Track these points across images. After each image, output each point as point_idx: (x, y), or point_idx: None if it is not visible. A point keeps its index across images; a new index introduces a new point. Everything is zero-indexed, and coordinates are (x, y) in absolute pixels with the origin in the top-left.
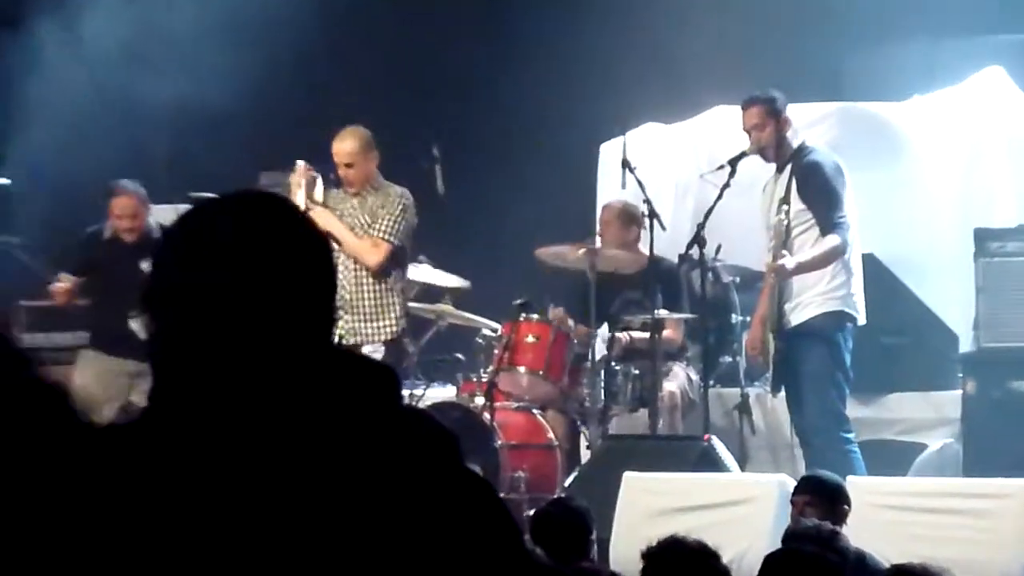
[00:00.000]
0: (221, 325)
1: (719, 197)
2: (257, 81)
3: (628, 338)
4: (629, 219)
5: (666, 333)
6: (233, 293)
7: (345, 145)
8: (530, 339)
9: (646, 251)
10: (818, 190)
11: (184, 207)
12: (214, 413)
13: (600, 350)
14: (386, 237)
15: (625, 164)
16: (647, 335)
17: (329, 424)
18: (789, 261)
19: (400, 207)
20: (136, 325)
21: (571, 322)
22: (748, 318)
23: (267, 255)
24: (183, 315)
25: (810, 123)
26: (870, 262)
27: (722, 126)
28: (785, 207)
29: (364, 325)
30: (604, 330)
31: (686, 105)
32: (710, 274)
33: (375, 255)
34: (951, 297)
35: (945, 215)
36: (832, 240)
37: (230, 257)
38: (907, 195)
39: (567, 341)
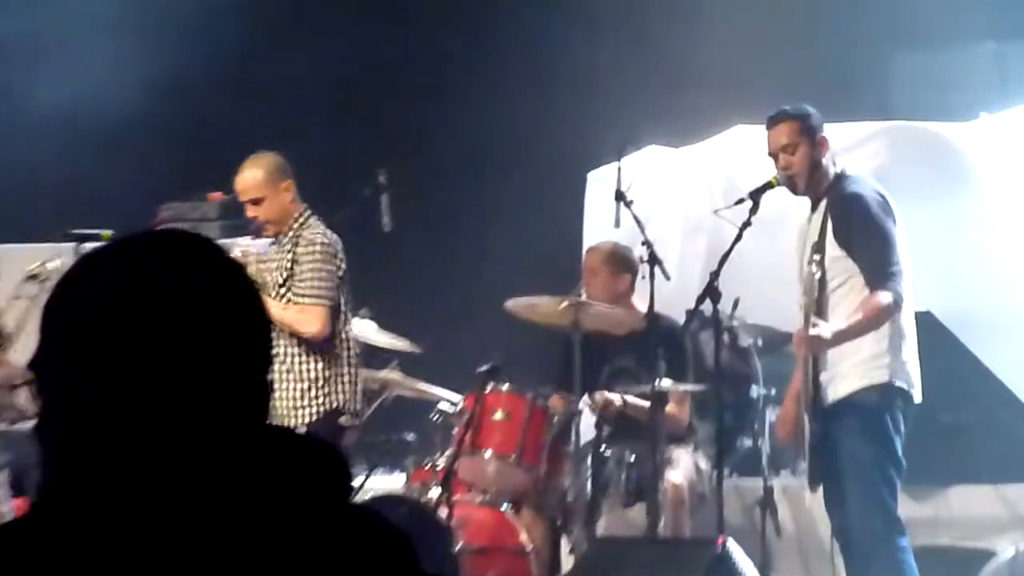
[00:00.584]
0: (136, 398)
1: (737, 238)
2: (166, 88)
3: (621, 401)
4: (620, 266)
5: (669, 410)
6: (152, 359)
7: (248, 176)
8: (499, 415)
9: (643, 306)
10: (861, 231)
11: (75, 247)
12: (128, 507)
13: (586, 430)
14: (315, 301)
15: (619, 197)
16: (645, 410)
17: (264, 526)
18: (825, 329)
19: (315, 254)
20: (22, 398)
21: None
22: (773, 390)
23: (194, 313)
24: (85, 386)
25: (851, 146)
26: (926, 322)
27: (742, 150)
28: (818, 255)
29: (282, 402)
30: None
31: (697, 124)
32: (725, 335)
33: (309, 324)
34: None
35: (1021, 263)
36: (883, 297)
37: (147, 315)
38: (973, 237)
39: (545, 418)
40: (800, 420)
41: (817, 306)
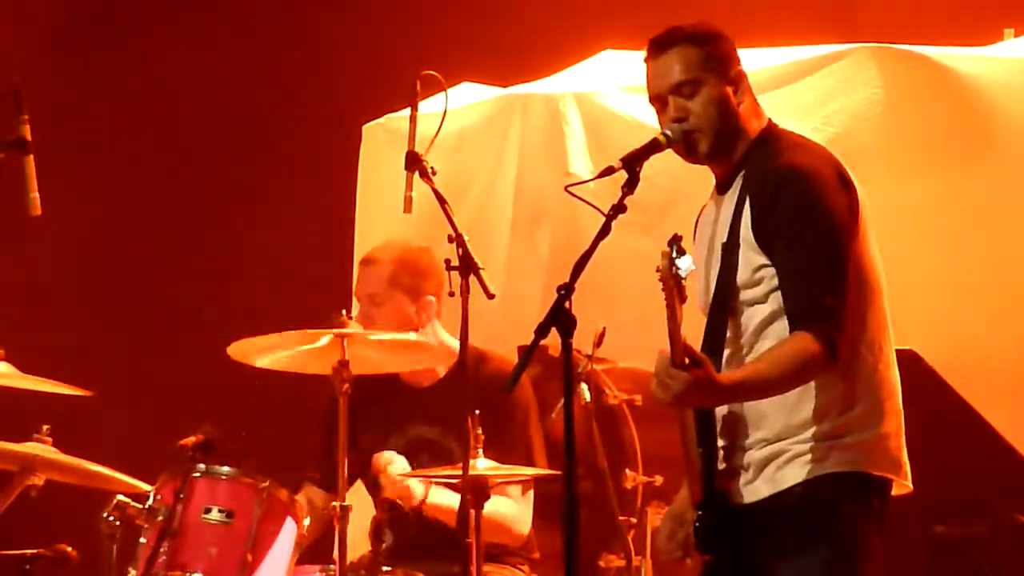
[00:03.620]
0: None
1: (603, 232)
2: None
3: (422, 493)
4: (413, 277)
5: (493, 512)
6: None
7: None
8: (215, 516)
9: (452, 341)
10: (794, 226)
11: None
12: None
13: (358, 536)
14: None
15: (413, 164)
16: (453, 511)
17: None
18: (710, 375)
19: None
20: None
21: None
22: (660, 479)
23: None
24: None
25: (788, 85)
26: (908, 367)
27: (610, 89)
28: (725, 259)
29: None
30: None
31: (539, 48)
32: (583, 388)
33: None
34: None
35: None
36: (801, 346)
37: None
38: (986, 228)
39: (293, 521)
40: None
41: (720, 344)
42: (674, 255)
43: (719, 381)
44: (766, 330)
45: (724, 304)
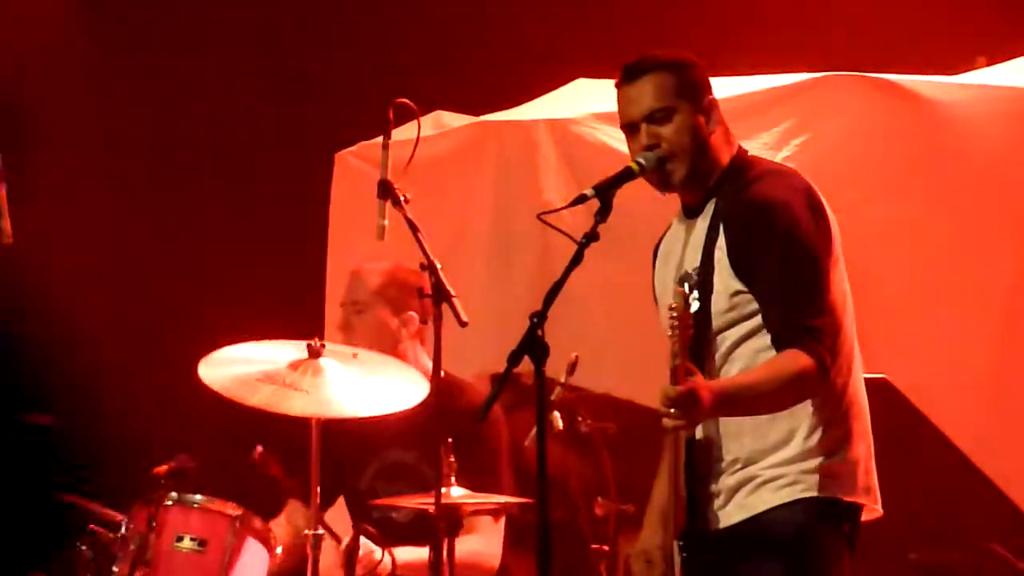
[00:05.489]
0: None
1: (576, 260)
2: None
3: (389, 562)
4: (400, 291)
5: (468, 548)
6: None
7: None
8: (186, 545)
9: (426, 364)
10: (774, 254)
11: None
12: None
13: (328, 569)
14: None
15: (385, 192)
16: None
17: None
18: (701, 387)
19: None
20: None
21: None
22: (631, 505)
23: None
24: None
25: (761, 114)
26: (881, 395)
27: (585, 117)
28: (699, 286)
29: None
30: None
31: (513, 77)
32: (556, 415)
33: None
34: None
35: None
36: (793, 360)
37: None
38: (958, 255)
39: (265, 550)
40: (667, 556)
41: (694, 368)
42: (687, 292)
43: (715, 385)
44: (733, 353)
45: (700, 331)
